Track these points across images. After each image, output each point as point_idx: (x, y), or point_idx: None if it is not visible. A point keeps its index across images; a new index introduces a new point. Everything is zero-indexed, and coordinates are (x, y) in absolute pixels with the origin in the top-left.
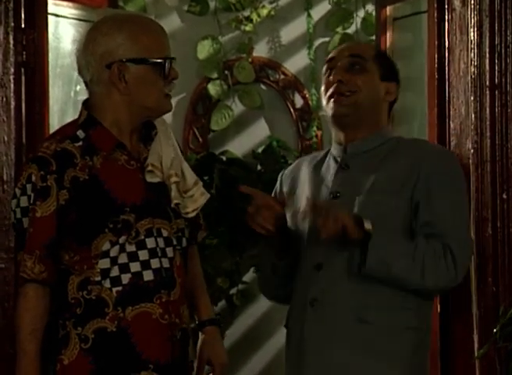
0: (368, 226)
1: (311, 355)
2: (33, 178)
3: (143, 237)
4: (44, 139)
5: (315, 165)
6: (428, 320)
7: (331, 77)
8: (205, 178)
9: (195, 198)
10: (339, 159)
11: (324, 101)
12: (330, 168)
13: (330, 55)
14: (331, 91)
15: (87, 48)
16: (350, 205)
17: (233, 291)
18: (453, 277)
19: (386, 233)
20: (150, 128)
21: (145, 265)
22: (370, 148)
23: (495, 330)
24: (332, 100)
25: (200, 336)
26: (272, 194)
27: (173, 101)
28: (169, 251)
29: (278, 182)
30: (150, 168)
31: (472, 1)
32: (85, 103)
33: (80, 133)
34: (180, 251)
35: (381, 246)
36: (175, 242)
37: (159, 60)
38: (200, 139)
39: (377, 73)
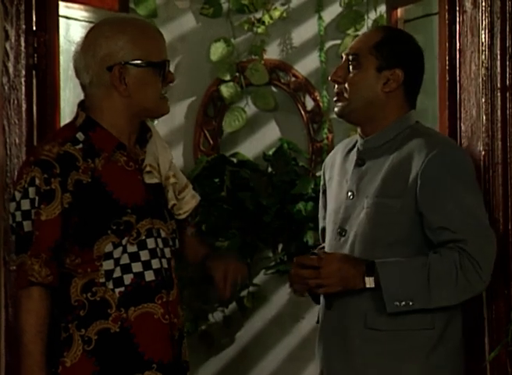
0: (370, 282)
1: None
2: (37, 181)
3: (144, 238)
4: (43, 142)
5: (346, 154)
6: (446, 317)
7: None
8: (216, 180)
9: (187, 200)
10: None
11: None
12: (353, 160)
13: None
14: (335, 91)
15: (88, 50)
16: (361, 207)
17: (244, 293)
18: (478, 281)
19: (393, 270)
20: (144, 131)
21: (146, 265)
22: (384, 142)
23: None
24: (334, 100)
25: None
26: (321, 185)
27: (185, 102)
28: (167, 251)
29: (322, 172)
30: (148, 169)
31: (483, 3)
32: (81, 105)
33: (80, 136)
34: (173, 252)
35: (393, 289)
36: (171, 243)
37: (159, 62)
38: (211, 141)
39: (373, 66)
